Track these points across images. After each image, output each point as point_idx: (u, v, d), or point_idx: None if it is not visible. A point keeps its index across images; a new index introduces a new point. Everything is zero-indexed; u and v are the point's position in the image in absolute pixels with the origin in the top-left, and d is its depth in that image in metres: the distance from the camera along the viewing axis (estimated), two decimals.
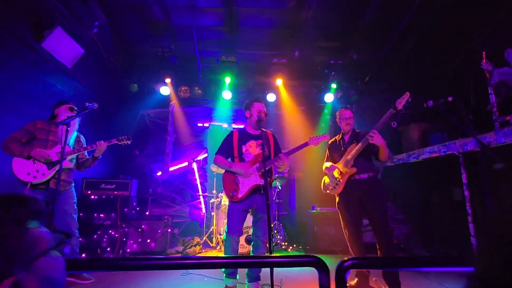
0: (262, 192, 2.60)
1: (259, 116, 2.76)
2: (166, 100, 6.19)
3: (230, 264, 1.08)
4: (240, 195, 2.56)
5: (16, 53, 3.42)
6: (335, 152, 3.12)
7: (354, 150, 2.83)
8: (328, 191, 3.07)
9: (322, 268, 1.06)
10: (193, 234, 5.62)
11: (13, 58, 3.37)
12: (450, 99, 2.56)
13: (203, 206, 6.13)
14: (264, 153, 2.28)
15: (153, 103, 6.23)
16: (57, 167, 2.71)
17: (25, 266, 0.47)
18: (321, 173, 3.19)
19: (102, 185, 4.54)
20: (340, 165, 2.93)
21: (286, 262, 1.12)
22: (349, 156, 2.84)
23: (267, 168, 2.20)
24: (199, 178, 6.30)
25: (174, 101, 6.22)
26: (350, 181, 2.87)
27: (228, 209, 2.66)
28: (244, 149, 2.73)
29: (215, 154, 2.81)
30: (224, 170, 2.77)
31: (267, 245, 2.14)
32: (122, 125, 5.95)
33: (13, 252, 0.46)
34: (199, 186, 6.24)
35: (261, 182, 2.57)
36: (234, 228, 2.57)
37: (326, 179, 3.12)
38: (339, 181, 2.89)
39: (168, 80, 5.81)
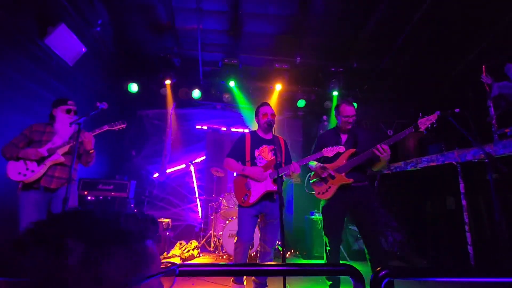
0: (273, 198, 2.60)
1: (266, 119, 2.73)
2: (165, 101, 6.13)
3: (262, 272, 1.07)
4: (251, 200, 2.55)
5: (22, 50, 3.35)
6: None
7: (351, 160, 2.60)
8: (313, 193, 2.82)
9: (357, 277, 1.06)
10: (189, 237, 5.55)
11: (19, 55, 3.30)
12: (457, 110, 2.62)
13: (199, 209, 6.07)
14: (277, 159, 2.28)
15: (152, 104, 6.17)
16: (49, 162, 2.63)
17: (139, 284, 0.45)
18: None
19: (100, 185, 4.46)
20: (332, 168, 2.65)
21: (320, 270, 1.12)
22: (346, 164, 2.62)
23: (280, 175, 2.20)
24: (196, 181, 6.25)
25: (174, 103, 6.16)
26: (343, 187, 2.63)
27: (238, 215, 2.63)
28: (257, 153, 2.71)
29: (226, 156, 2.77)
30: (234, 173, 2.74)
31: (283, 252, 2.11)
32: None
33: (134, 266, 0.45)
34: (196, 189, 6.19)
35: (272, 188, 2.57)
36: (246, 234, 2.54)
37: (313, 180, 2.82)
38: (330, 187, 2.65)
39: (168, 82, 5.77)
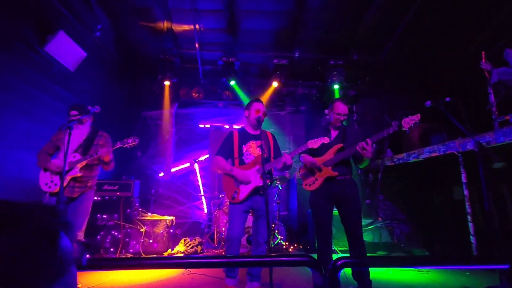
0: (262, 192, 2.64)
1: (258, 116, 2.75)
2: (167, 101, 6.24)
3: (227, 264, 1.12)
4: (241, 197, 2.60)
5: (23, 58, 3.49)
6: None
7: (338, 154, 2.70)
8: (300, 184, 2.94)
9: (315, 267, 1.10)
10: (195, 234, 5.68)
11: (21, 63, 3.44)
12: (447, 99, 2.59)
13: (205, 206, 6.18)
14: (264, 155, 2.32)
15: (154, 104, 6.29)
16: (68, 176, 2.80)
17: (54, 281, 0.47)
18: None
19: (105, 186, 4.61)
20: (320, 162, 2.76)
21: (280, 261, 1.17)
22: (333, 158, 2.71)
23: (267, 170, 2.24)
24: (201, 179, 6.36)
25: (176, 103, 6.27)
26: (329, 179, 2.72)
27: (229, 211, 2.69)
28: (244, 149, 2.76)
29: (215, 155, 2.82)
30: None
31: (268, 245, 2.18)
32: (125, 127, 6.05)
33: (45, 265, 0.47)
34: (201, 187, 6.30)
35: (261, 183, 2.61)
36: (236, 230, 2.60)
37: (303, 170, 2.90)
38: (316, 179, 2.75)
39: (167, 83, 5.87)
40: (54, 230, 0.51)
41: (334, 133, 2.91)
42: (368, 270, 2.56)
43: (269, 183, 2.62)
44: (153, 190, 5.92)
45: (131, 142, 2.97)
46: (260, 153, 2.60)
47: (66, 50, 4.06)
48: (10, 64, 3.29)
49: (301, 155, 2.82)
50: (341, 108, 2.82)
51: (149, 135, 6.46)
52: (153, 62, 5.89)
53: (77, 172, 2.84)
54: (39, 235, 0.49)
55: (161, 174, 6.27)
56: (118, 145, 2.96)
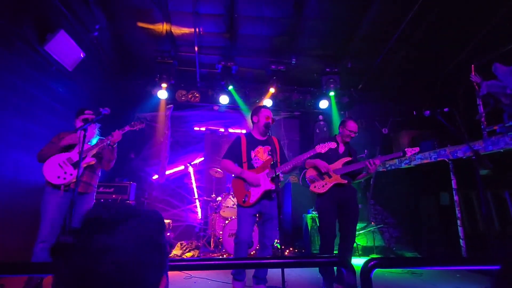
0: (271, 196, 2.71)
1: (267, 122, 2.84)
2: (163, 103, 6.20)
3: (265, 265, 1.16)
4: (251, 200, 2.65)
5: (23, 56, 3.40)
6: (328, 153, 3.04)
7: (347, 166, 3.00)
8: (307, 187, 3.12)
9: (348, 267, 1.16)
10: (189, 238, 5.66)
11: (20, 62, 3.36)
12: (446, 110, 2.74)
13: (199, 210, 6.16)
14: (274, 159, 2.38)
15: (150, 106, 6.22)
16: (84, 164, 2.76)
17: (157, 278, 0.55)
18: None
19: (101, 188, 4.54)
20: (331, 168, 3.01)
21: (313, 262, 1.22)
22: (342, 168, 3.00)
23: (277, 174, 2.30)
24: (195, 182, 6.33)
25: (172, 105, 6.24)
26: (337, 185, 2.97)
27: (238, 214, 2.73)
28: (252, 154, 2.82)
29: (223, 158, 2.86)
30: (231, 174, 2.84)
31: (273, 248, 2.24)
32: (118, 128, 5.94)
33: (153, 263, 0.53)
34: (195, 190, 6.27)
35: (271, 187, 2.67)
36: (246, 233, 2.64)
37: (311, 173, 3.08)
38: (326, 183, 2.97)
39: (165, 85, 5.83)
40: (160, 229, 0.57)
41: (342, 147, 3.21)
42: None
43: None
44: (146, 193, 5.84)
45: (138, 125, 3.10)
46: (268, 158, 2.68)
47: (65, 50, 3.98)
48: (10, 62, 3.21)
49: (319, 165, 3.00)
50: (352, 126, 3.15)
51: (143, 137, 6.38)
52: (150, 64, 5.84)
53: (91, 159, 2.83)
54: (149, 234, 0.54)
55: (155, 177, 6.20)
56: (127, 128, 3.04)
